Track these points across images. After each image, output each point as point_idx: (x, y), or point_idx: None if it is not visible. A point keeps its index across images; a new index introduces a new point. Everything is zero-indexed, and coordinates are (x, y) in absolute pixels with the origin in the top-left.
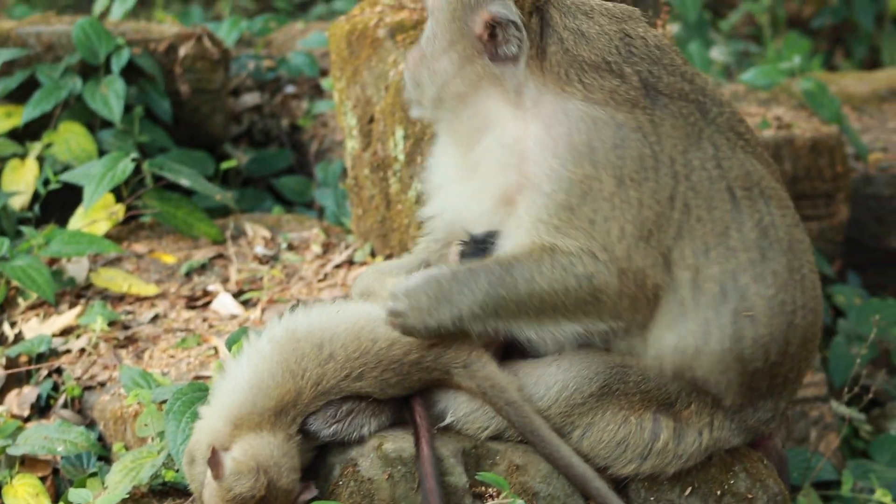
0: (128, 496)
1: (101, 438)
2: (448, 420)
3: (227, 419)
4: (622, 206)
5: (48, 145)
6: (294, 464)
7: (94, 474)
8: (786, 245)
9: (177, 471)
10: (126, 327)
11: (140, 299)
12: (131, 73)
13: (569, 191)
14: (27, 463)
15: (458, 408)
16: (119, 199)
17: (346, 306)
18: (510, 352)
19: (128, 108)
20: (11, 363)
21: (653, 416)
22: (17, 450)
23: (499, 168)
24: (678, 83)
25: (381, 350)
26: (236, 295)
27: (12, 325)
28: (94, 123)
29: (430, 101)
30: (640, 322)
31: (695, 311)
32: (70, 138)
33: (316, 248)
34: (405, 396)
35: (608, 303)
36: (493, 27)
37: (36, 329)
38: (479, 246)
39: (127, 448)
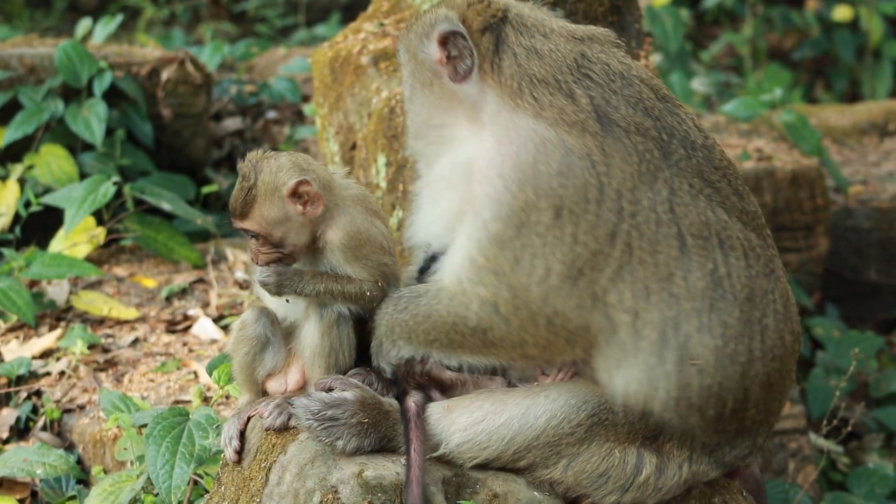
0: None
1: (80, 461)
2: (440, 452)
3: None
4: (554, 243)
5: (30, 167)
6: None
7: (72, 497)
8: (743, 296)
9: (156, 495)
10: (106, 350)
11: (120, 323)
12: (113, 96)
13: (507, 219)
14: (5, 485)
15: (450, 440)
16: (100, 222)
17: None
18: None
19: (109, 132)
20: None
21: (637, 450)
22: None
23: (448, 188)
24: (638, 117)
25: None
26: (216, 319)
27: None
28: (76, 146)
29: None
30: (574, 360)
31: (635, 357)
32: (51, 161)
33: None
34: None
35: (507, 350)
36: (448, 48)
37: (16, 351)
38: (427, 267)
39: (106, 472)
